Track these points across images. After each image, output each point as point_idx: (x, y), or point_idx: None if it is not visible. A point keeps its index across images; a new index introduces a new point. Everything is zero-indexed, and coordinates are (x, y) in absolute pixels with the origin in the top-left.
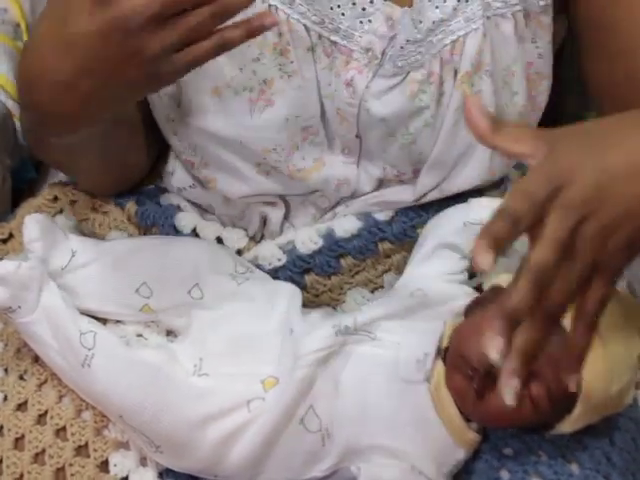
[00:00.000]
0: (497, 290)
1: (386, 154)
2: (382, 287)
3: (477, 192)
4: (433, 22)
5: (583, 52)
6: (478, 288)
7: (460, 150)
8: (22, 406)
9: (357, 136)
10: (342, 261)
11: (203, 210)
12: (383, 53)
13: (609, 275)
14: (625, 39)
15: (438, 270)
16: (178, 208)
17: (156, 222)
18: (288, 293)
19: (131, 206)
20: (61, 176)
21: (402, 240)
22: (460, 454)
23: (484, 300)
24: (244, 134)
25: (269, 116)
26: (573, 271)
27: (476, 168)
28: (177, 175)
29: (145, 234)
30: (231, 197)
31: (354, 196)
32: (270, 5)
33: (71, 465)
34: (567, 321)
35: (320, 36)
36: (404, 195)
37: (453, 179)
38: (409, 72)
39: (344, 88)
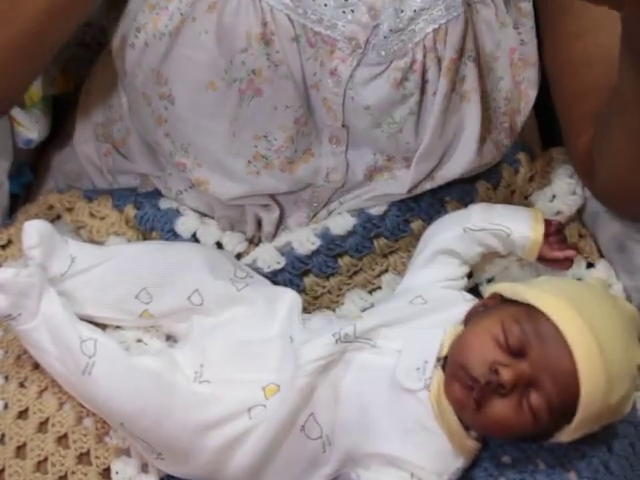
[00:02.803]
0: (496, 297)
1: (374, 144)
2: (380, 288)
3: (468, 181)
4: (414, 11)
5: (546, 32)
6: (477, 294)
7: (449, 137)
8: (23, 414)
9: (344, 125)
10: (340, 261)
11: (202, 214)
12: (367, 42)
13: None
14: (585, 20)
15: (438, 276)
16: (178, 212)
17: (155, 226)
18: (288, 299)
19: (130, 209)
20: (58, 181)
21: (396, 235)
22: (459, 462)
23: (484, 308)
24: (236, 125)
25: (257, 105)
26: None
27: (465, 153)
28: (175, 176)
29: (144, 238)
30: (222, 199)
31: (346, 188)
32: None
33: (73, 473)
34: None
35: (304, 26)
36: (396, 187)
37: (444, 166)
38: (392, 60)
39: (329, 77)
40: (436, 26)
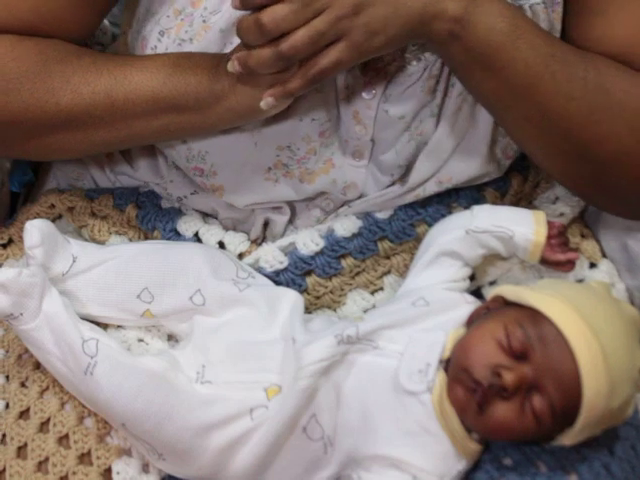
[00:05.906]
0: (499, 300)
1: (397, 153)
2: (382, 289)
3: (477, 188)
4: None
5: (568, 11)
6: (480, 296)
7: (457, 139)
8: (24, 414)
9: (371, 140)
10: (343, 262)
11: (205, 214)
12: (402, 54)
13: (351, 45)
14: None
15: (440, 278)
16: (179, 211)
17: (157, 226)
18: (290, 300)
19: (131, 209)
20: (59, 180)
21: (401, 238)
22: (461, 465)
23: (486, 310)
24: (258, 136)
25: (283, 117)
26: (315, 24)
27: (473, 157)
28: (176, 184)
29: (146, 238)
30: (238, 206)
31: (359, 199)
32: None
33: (74, 473)
34: None
35: None
36: (398, 187)
37: (450, 168)
38: (425, 68)
39: (363, 90)
40: None
